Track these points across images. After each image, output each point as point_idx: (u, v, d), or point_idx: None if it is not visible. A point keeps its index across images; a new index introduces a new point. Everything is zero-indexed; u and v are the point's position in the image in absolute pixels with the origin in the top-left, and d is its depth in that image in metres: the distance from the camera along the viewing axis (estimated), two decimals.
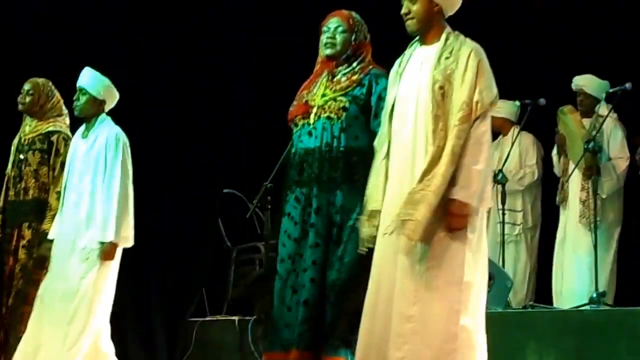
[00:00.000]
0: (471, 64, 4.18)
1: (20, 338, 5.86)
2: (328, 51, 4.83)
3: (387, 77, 4.56)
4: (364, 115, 4.70)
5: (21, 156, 6.28)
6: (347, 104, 4.71)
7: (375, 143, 4.46)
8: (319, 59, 4.93)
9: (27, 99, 6.31)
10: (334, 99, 4.76)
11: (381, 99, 4.63)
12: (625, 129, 6.88)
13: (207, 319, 7.44)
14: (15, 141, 6.39)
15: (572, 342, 5.50)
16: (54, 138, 6.24)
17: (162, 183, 7.84)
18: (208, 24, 8.02)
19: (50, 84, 6.37)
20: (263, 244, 6.84)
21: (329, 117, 4.73)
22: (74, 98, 6.01)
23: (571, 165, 6.91)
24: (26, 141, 6.31)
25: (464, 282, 4.09)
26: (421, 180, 4.10)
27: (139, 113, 6.34)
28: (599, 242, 6.56)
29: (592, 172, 6.65)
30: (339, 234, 4.65)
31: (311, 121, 4.77)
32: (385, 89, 4.57)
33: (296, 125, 4.82)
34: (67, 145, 6.18)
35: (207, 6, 8.02)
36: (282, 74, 8.66)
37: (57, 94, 6.38)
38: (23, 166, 6.24)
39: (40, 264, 6.02)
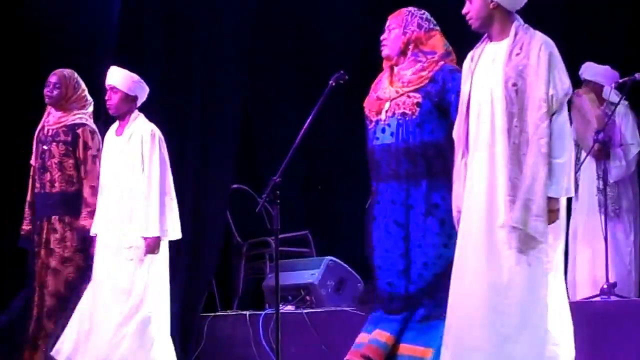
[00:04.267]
0: (543, 58, 4.26)
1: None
2: (384, 52, 5.00)
3: (460, 72, 4.65)
4: (438, 110, 4.80)
5: (44, 147, 6.30)
6: (420, 100, 4.81)
7: (454, 134, 4.54)
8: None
9: (55, 92, 6.32)
10: (407, 95, 4.84)
11: (459, 94, 4.67)
12: (637, 117, 6.92)
13: (218, 314, 7.44)
14: (37, 131, 6.39)
15: (584, 334, 5.46)
16: (79, 131, 6.26)
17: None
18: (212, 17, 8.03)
19: (76, 75, 6.39)
20: (273, 239, 6.86)
21: (403, 114, 4.83)
22: (106, 97, 6.05)
23: (582, 154, 6.93)
24: (49, 132, 6.32)
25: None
26: (515, 184, 4.23)
27: (144, 105, 6.36)
28: (617, 231, 6.60)
29: (602, 156, 6.72)
30: (422, 226, 4.77)
31: (383, 117, 4.88)
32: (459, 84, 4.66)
33: (370, 121, 4.95)
34: (94, 138, 6.24)
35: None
36: (287, 65, 8.73)
37: (82, 84, 6.40)
38: (46, 157, 6.26)
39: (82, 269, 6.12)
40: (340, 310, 6.65)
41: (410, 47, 4.94)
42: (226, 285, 8.04)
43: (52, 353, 5.97)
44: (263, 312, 6.84)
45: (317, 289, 7.00)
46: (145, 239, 5.87)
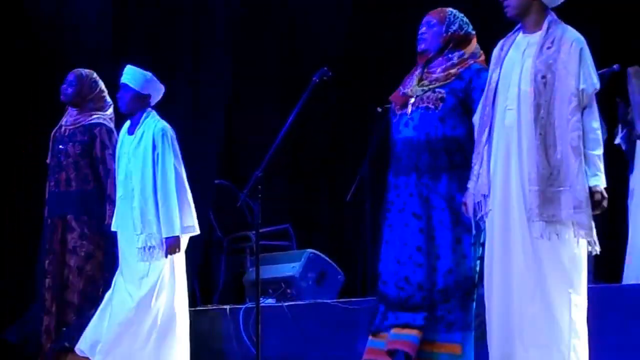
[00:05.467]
0: (574, 53, 4.37)
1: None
2: (420, 46, 4.98)
3: (487, 71, 4.71)
4: (462, 107, 4.84)
5: (60, 146, 6.31)
6: (445, 95, 4.84)
7: (475, 119, 4.65)
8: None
9: (69, 90, 6.34)
10: (433, 90, 4.88)
11: (483, 92, 4.72)
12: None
13: (199, 308, 7.44)
14: (54, 131, 6.41)
15: None
16: (96, 131, 6.28)
17: None
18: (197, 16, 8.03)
19: (94, 75, 6.41)
20: (254, 233, 6.87)
21: (427, 108, 4.86)
22: (118, 96, 6.07)
23: None
24: (67, 132, 6.33)
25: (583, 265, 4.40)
26: (545, 176, 4.32)
27: None
28: None
29: None
30: (441, 219, 4.80)
31: (408, 111, 4.90)
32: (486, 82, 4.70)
33: (395, 115, 4.97)
34: (111, 138, 6.26)
35: None
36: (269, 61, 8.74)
37: (101, 85, 6.42)
38: (62, 157, 6.27)
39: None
40: (322, 303, 6.66)
41: (450, 46, 4.98)
42: (207, 280, 8.05)
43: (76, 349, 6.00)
44: (243, 306, 6.81)
45: (297, 282, 7.00)
46: (166, 239, 5.87)
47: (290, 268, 7.10)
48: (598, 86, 4.43)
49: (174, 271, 5.97)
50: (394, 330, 4.82)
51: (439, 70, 4.96)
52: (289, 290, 7.01)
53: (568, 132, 4.31)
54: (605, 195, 4.38)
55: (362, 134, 7.41)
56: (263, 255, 6.85)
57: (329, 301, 6.60)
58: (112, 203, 6.15)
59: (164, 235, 5.86)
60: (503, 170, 4.47)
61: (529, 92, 4.39)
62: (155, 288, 5.90)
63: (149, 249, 5.87)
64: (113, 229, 6.07)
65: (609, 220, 6.82)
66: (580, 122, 4.33)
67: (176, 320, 5.98)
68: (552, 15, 4.51)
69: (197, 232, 6.06)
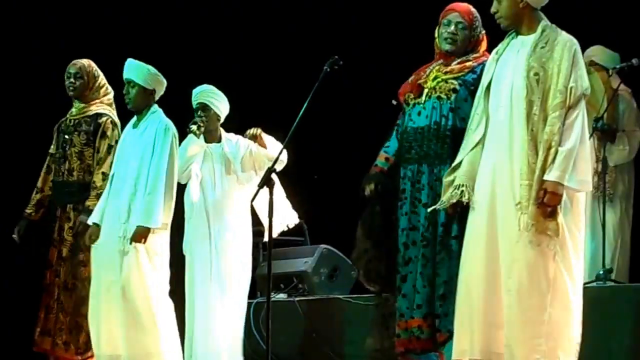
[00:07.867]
0: (567, 53, 4.48)
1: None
2: (448, 47, 5.01)
3: None
4: (473, 99, 4.85)
5: (66, 137, 6.31)
6: (457, 86, 4.89)
7: (470, 121, 4.71)
8: (437, 51, 5.07)
9: (78, 83, 6.33)
10: (445, 81, 4.92)
11: None
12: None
13: None
14: (59, 122, 6.41)
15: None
16: (101, 121, 6.27)
17: None
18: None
19: (93, 64, 6.39)
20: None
21: (439, 97, 4.91)
22: (124, 92, 6.03)
23: None
24: (72, 122, 6.34)
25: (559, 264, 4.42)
26: (533, 170, 4.42)
27: None
28: (612, 217, 6.59)
29: (607, 138, 6.65)
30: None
31: (422, 101, 4.94)
32: None
33: (407, 104, 5.00)
34: (114, 129, 6.26)
35: None
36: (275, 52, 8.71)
37: (100, 73, 6.41)
38: (67, 147, 6.28)
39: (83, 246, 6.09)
40: (333, 298, 6.63)
41: (478, 49, 5.03)
42: None
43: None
44: (254, 301, 6.79)
45: (309, 277, 6.98)
46: (137, 227, 5.80)
47: (302, 263, 7.08)
48: (588, 91, 4.50)
49: (150, 267, 5.90)
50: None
51: (453, 63, 5.00)
52: (300, 286, 6.98)
53: (546, 128, 4.40)
54: (551, 189, 4.36)
55: (376, 126, 7.35)
56: (276, 250, 6.79)
57: (340, 297, 6.55)
58: (96, 189, 6.11)
59: (138, 223, 5.80)
60: (493, 165, 4.54)
61: (521, 89, 4.48)
62: (129, 283, 5.84)
63: (127, 240, 5.83)
64: (95, 221, 5.98)
65: None
66: (559, 118, 4.40)
67: (149, 315, 5.90)
68: (545, 20, 4.62)
69: (167, 230, 5.96)
